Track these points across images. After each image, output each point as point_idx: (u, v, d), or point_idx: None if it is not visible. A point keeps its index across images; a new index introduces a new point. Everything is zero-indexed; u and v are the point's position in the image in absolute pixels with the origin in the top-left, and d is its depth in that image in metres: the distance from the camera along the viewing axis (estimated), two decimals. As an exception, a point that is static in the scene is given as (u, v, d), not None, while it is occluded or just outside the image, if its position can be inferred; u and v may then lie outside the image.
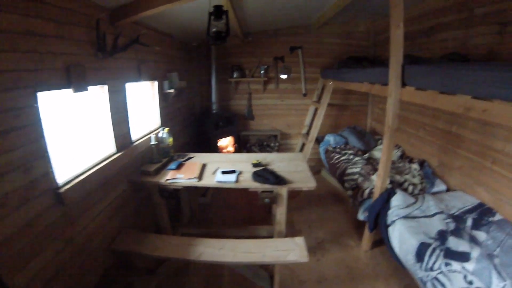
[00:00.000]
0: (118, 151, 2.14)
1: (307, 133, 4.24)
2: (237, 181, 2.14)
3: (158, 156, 2.57)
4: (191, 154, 2.81)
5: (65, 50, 1.56)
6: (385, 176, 2.38)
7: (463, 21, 2.49)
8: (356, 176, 2.97)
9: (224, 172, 2.24)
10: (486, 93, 1.35)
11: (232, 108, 4.50)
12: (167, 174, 2.32)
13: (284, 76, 4.19)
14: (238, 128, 4.37)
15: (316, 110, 4.01)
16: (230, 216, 3.22)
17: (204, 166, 2.48)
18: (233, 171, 2.26)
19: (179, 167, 2.44)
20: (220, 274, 2.30)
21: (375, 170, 2.92)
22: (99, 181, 1.87)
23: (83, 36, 1.72)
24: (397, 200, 2.30)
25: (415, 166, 2.94)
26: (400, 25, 1.93)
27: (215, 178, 2.21)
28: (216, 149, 4.01)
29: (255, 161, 2.40)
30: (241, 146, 4.49)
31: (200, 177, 2.24)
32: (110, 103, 2.05)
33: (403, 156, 3.40)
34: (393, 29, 1.97)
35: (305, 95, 4.32)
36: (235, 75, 4.13)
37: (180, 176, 2.23)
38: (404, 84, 2.03)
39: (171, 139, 2.76)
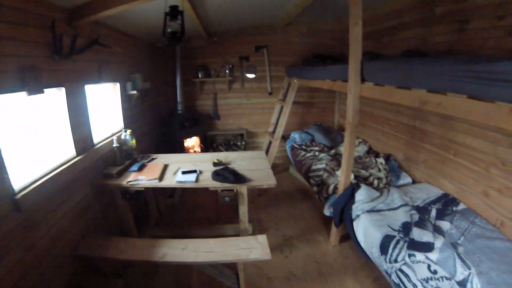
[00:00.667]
0: (78, 155, 2.13)
1: (274, 132, 4.40)
2: (197, 180, 2.22)
3: (121, 158, 2.59)
4: (155, 155, 2.85)
5: (18, 52, 1.55)
6: (348, 172, 2.48)
7: (424, 20, 2.65)
8: (321, 172, 3.11)
9: (184, 172, 2.32)
10: (440, 86, 1.39)
11: (198, 109, 4.55)
12: (129, 176, 2.35)
13: (250, 76, 4.33)
14: (204, 128, 4.43)
15: (282, 108, 4.17)
16: (198, 216, 3.27)
17: (166, 166, 2.54)
18: (193, 171, 2.34)
19: (141, 168, 2.47)
20: (189, 275, 2.31)
21: (340, 165, 2.91)
22: (59, 186, 1.86)
23: (39, 37, 1.71)
24: (361, 195, 2.38)
25: (381, 160, 3.13)
26: (359, 23, 2.03)
27: (175, 178, 2.28)
28: (182, 150, 4.04)
29: (215, 160, 2.49)
30: (208, 146, 4.56)
31: (161, 177, 2.30)
32: (68, 106, 2.03)
33: (369, 151, 3.61)
34: (352, 26, 2.06)
35: (270, 93, 4.48)
36: (200, 75, 4.19)
37: (142, 178, 2.28)
38: (363, 80, 2.12)
39: (134, 141, 2.77)
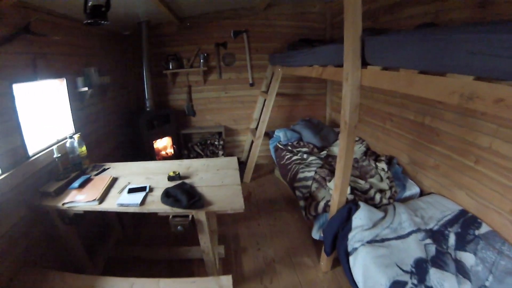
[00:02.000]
0: (4, 171, 1.85)
1: (256, 128, 4.10)
2: (142, 203, 1.89)
3: (65, 171, 2.29)
4: (108, 165, 2.55)
5: None
6: (344, 187, 2.09)
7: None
8: (309, 182, 2.77)
9: (131, 190, 2.01)
10: (499, 71, 0.90)
11: (171, 104, 4.27)
12: (68, 194, 2.05)
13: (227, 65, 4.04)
14: (177, 127, 4.17)
15: (265, 101, 3.88)
16: (164, 233, 3.00)
17: (114, 181, 2.24)
18: (142, 188, 2.04)
19: (83, 184, 2.16)
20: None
21: (332, 173, 2.64)
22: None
23: None
24: (361, 219, 2.03)
25: (382, 165, 2.78)
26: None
27: (117, 199, 1.97)
28: (151, 153, 3.78)
29: (171, 173, 2.18)
30: (182, 147, 4.29)
31: (102, 198, 1.98)
32: None
33: (367, 152, 3.29)
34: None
35: (252, 85, 4.21)
36: (171, 66, 3.88)
37: (80, 198, 1.96)
38: (365, 63, 1.67)
39: (83, 148, 2.49)
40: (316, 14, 4.05)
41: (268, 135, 4.17)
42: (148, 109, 3.78)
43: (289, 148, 3.56)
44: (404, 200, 2.47)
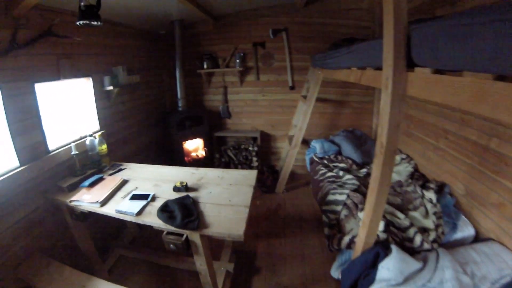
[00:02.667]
0: (23, 164, 2.00)
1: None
2: (139, 213, 1.84)
3: (82, 167, 2.42)
4: (126, 165, 2.61)
5: None
6: (373, 226, 1.72)
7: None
8: (339, 208, 2.42)
9: (135, 197, 1.99)
10: None
11: (207, 105, 4.29)
12: (78, 192, 2.14)
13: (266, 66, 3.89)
14: (210, 129, 4.15)
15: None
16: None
17: (124, 183, 2.26)
18: (145, 196, 2.00)
19: (93, 184, 2.22)
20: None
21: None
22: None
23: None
24: (389, 270, 1.63)
25: (430, 195, 2.28)
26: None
27: (118, 205, 1.96)
28: (181, 154, 3.84)
29: (178, 184, 2.10)
30: (214, 150, 4.26)
31: (105, 201, 2.01)
32: (5, 110, 1.90)
33: (414, 175, 2.78)
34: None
35: (292, 88, 3.97)
36: (206, 65, 3.88)
37: (86, 198, 2.02)
38: (411, 64, 1.24)
39: (104, 146, 2.59)
40: (364, 11, 3.64)
41: (307, 143, 3.90)
42: (180, 109, 3.84)
43: (325, 162, 3.26)
44: (453, 245, 1.97)
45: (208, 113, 4.16)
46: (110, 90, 2.87)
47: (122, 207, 1.90)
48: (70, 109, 2.59)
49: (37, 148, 2.16)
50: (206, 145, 4.13)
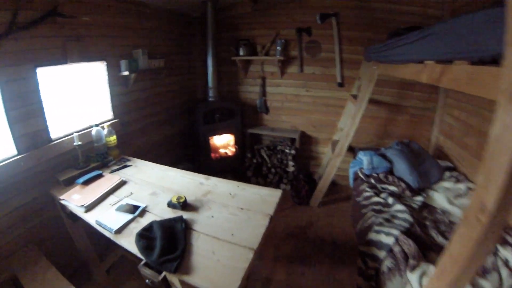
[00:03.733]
0: (21, 153, 2.00)
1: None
2: (119, 231, 1.62)
3: (85, 160, 2.37)
4: (133, 161, 2.49)
5: None
6: None
7: None
8: (382, 253, 1.89)
9: (122, 208, 1.79)
10: None
11: (241, 97, 4.06)
12: (72, 188, 2.06)
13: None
14: (243, 124, 3.92)
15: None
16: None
17: (121, 185, 2.11)
18: (134, 208, 1.79)
19: (89, 181, 2.12)
20: None
21: (427, 247, 1.79)
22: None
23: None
24: None
25: (507, 254, 1.65)
26: None
27: (98, 215, 1.79)
28: (207, 149, 3.69)
29: (174, 199, 1.82)
30: (246, 148, 4.02)
31: (92, 206, 1.86)
32: (3, 96, 1.88)
33: None
34: None
35: (340, 85, 3.50)
36: (242, 52, 3.62)
37: (76, 198, 1.92)
38: None
39: (112, 138, 2.51)
40: (431, -2, 2.96)
41: (353, 152, 3.42)
42: (210, 99, 3.67)
43: (372, 181, 2.73)
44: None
45: (242, 106, 3.94)
46: (127, 75, 2.78)
47: (104, 219, 1.72)
48: (80, 95, 2.54)
49: (38, 136, 2.14)
50: (237, 142, 3.91)
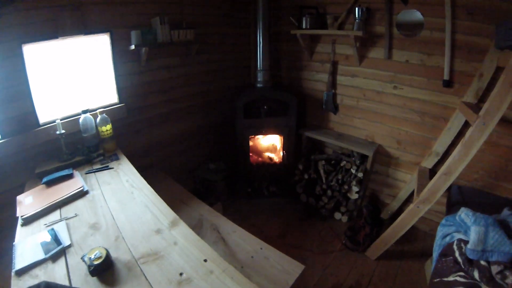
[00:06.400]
0: (4, 137, 2.16)
1: (433, 172, 2.71)
2: (20, 273, 1.36)
3: (74, 151, 2.43)
4: (123, 162, 2.39)
5: None
6: None
7: None
8: None
9: (42, 238, 1.56)
10: None
11: (304, 86, 3.65)
12: (37, 186, 2.08)
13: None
14: (300, 123, 3.54)
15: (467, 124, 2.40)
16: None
17: (78, 197, 1.97)
18: (54, 244, 1.53)
19: (53, 182, 2.08)
20: None
21: None
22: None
23: None
24: None
25: None
26: None
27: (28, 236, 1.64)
28: (245, 151, 3.45)
29: (92, 254, 1.36)
30: (301, 157, 3.58)
31: (30, 220, 1.75)
32: None
33: None
34: None
35: (448, 84, 2.68)
36: (305, 24, 3.13)
37: (25, 202, 1.89)
38: None
39: (106, 128, 2.45)
40: None
41: (450, 190, 2.66)
42: (259, 85, 3.33)
43: (475, 275, 1.83)
44: None
45: (302, 100, 3.52)
46: (138, 50, 2.68)
47: (20, 247, 1.53)
48: (81, 74, 2.57)
49: (25, 120, 2.25)
50: (287, 146, 3.49)
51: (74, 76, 2.54)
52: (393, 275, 2.77)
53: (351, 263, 2.88)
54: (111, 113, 2.59)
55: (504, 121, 2.45)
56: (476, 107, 2.31)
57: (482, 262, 1.91)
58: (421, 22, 2.68)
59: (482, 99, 2.49)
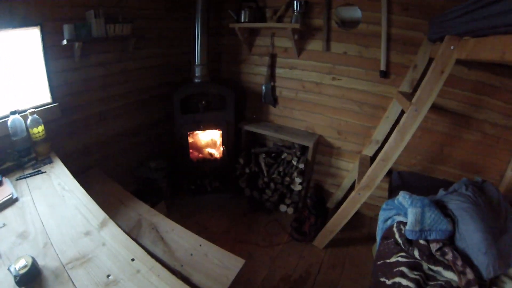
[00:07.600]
0: None
1: (373, 159, 2.85)
2: None
3: (4, 156, 2.22)
4: (57, 166, 2.24)
5: None
6: None
7: None
8: None
9: None
10: None
11: (245, 80, 3.75)
12: None
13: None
14: (237, 117, 3.55)
15: (403, 112, 2.47)
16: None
17: (7, 204, 1.82)
18: None
19: None
20: None
21: None
22: None
23: None
24: None
25: None
26: None
27: None
28: (184, 148, 3.42)
29: (17, 264, 1.32)
30: (241, 151, 3.64)
31: None
32: None
33: None
34: None
35: (385, 74, 2.94)
36: (244, 17, 3.18)
37: None
38: None
39: (38, 129, 2.29)
40: None
41: (389, 176, 2.93)
42: (196, 80, 3.28)
43: (416, 254, 2.00)
44: None
45: (242, 93, 3.56)
46: (72, 45, 2.58)
47: None
48: (9, 72, 2.37)
49: None
50: (227, 141, 3.51)
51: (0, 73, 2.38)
52: (342, 261, 2.94)
53: (299, 254, 3.00)
54: (44, 113, 2.40)
55: (437, 108, 2.77)
56: (410, 96, 2.49)
57: (421, 242, 2.02)
58: (358, 16, 2.90)
59: (416, 88, 2.68)
